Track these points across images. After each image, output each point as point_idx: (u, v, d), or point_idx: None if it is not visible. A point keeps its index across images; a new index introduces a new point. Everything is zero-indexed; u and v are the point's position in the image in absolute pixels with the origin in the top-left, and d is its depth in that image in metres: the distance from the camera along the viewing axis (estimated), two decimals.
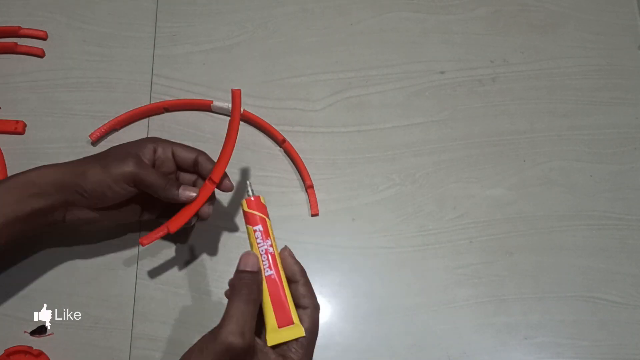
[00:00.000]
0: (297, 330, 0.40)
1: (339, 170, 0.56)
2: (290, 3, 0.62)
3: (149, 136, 0.54)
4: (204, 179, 0.49)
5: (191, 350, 0.39)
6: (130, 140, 0.48)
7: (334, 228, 0.55)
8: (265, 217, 0.43)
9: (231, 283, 0.41)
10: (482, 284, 0.53)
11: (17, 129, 0.57)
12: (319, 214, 0.55)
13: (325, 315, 0.52)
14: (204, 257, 0.54)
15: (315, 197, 0.55)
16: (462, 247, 0.54)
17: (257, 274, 0.41)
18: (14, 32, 0.60)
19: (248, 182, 0.45)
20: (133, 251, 0.54)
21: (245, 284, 0.40)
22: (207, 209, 0.48)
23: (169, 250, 0.54)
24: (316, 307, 0.42)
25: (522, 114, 0.59)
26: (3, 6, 0.62)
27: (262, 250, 0.42)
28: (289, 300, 0.41)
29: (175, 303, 0.52)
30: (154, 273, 0.53)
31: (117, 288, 0.53)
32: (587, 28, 0.62)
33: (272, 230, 0.43)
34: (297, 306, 0.42)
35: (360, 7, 0.62)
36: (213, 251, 0.54)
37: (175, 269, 0.53)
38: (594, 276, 0.54)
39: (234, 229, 0.55)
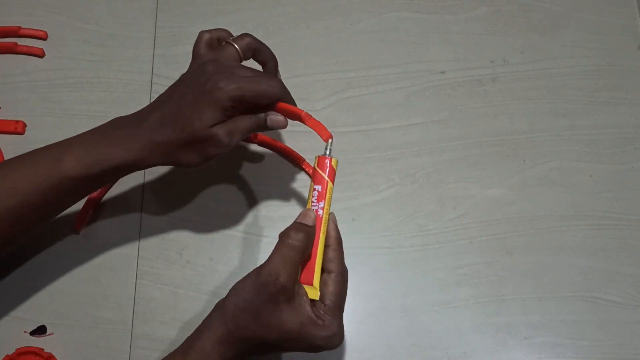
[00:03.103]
0: (312, 292, 0.41)
1: (338, 170, 0.56)
2: (290, 3, 0.62)
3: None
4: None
5: (238, 282, 0.42)
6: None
7: None
8: (329, 180, 0.44)
9: (283, 232, 0.42)
10: (482, 284, 0.53)
11: (17, 129, 0.57)
12: None
13: None
14: (204, 257, 0.54)
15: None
16: (462, 247, 0.54)
17: (309, 227, 0.42)
18: (14, 32, 0.60)
19: (329, 141, 0.44)
20: (133, 251, 0.54)
21: (295, 231, 0.41)
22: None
23: (169, 250, 0.54)
24: (341, 274, 0.43)
25: (522, 114, 0.59)
26: (3, 6, 0.62)
27: (312, 210, 0.43)
28: (317, 263, 0.42)
29: (175, 303, 0.52)
30: (154, 273, 0.53)
31: (117, 288, 0.53)
32: (587, 28, 0.62)
33: (330, 195, 0.44)
34: (323, 270, 0.43)
35: (360, 7, 0.62)
36: (213, 251, 0.54)
37: (175, 268, 0.53)
38: (594, 276, 0.54)
39: (234, 229, 0.55)
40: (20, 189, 0.42)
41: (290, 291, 0.40)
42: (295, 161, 0.56)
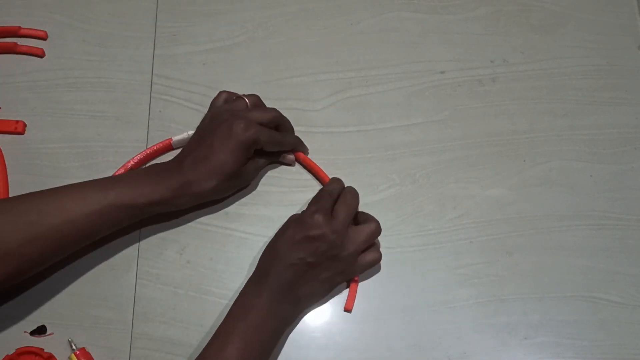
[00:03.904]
0: None
1: (339, 170, 0.56)
2: (290, 3, 0.62)
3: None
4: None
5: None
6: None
7: None
8: None
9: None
10: (482, 284, 0.53)
11: (17, 129, 0.57)
12: None
13: (325, 315, 0.52)
14: (204, 257, 0.54)
15: (355, 293, 0.53)
16: (462, 247, 0.54)
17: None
18: (14, 32, 0.60)
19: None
20: (133, 251, 0.54)
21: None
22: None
23: (169, 250, 0.54)
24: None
25: (522, 114, 0.59)
26: (3, 6, 0.62)
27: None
28: None
29: (175, 303, 0.52)
30: (154, 273, 0.53)
31: (117, 288, 0.53)
32: (587, 28, 0.62)
33: None
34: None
35: (360, 7, 0.62)
36: (213, 251, 0.54)
37: (175, 269, 0.53)
38: (594, 276, 0.54)
39: (234, 229, 0.55)
40: (69, 209, 0.46)
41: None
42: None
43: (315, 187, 0.56)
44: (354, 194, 0.52)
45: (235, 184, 0.53)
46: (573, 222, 0.55)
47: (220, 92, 0.55)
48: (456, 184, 0.56)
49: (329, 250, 0.48)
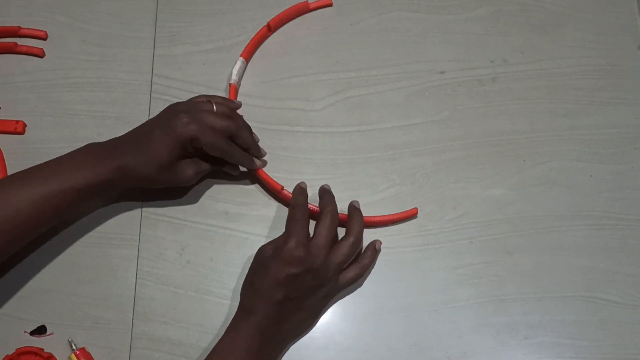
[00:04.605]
0: None
1: (339, 170, 0.56)
2: (290, 3, 0.62)
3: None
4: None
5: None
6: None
7: None
8: None
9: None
10: (482, 284, 0.53)
11: (17, 129, 0.57)
12: None
13: (325, 315, 0.52)
14: (204, 257, 0.54)
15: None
16: (462, 247, 0.54)
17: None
18: (14, 32, 0.60)
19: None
20: (133, 251, 0.54)
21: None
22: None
23: (169, 250, 0.54)
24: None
25: (522, 114, 0.59)
26: (3, 6, 0.62)
27: None
28: None
29: (175, 303, 0.52)
30: (154, 273, 0.53)
31: (117, 288, 0.53)
32: (587, 28, 0.62)
33: None
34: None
35: (360, 7, 0.62)
36: (213, 251, 0.54)
37: (175, 269, 0.53)
38: (594, 276, 0.54)
39: (234, 229, 0.55)
40: (14, 200, 0.46)
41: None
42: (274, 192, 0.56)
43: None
44: (333, 211, 0.50)
45: (169, 178, 0.51)
46: (573, 222, 0.55)
47: (200, 95, 0.55)
48: (456, 184, 0.56)
49: (313, 279, 0.48)
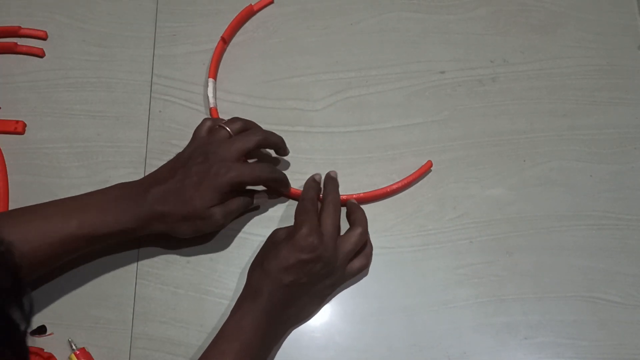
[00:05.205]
0: None
1: (339, 171, 0.56)
2: (290, 3, 0.62)
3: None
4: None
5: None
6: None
7: None
8: None
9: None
10: (482, 284, 0.53)
11: (17, 129, 0.57)
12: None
13: (325, 315, 0.52)
14: (204, 257, 0.54)
15: None
16: (462, 247, 0.54)
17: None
18: (14, 32, 0.60)
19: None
20: (133, 251, 0.54)
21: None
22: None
23: (169, 250, 0.54)
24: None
25: (522, 114, 0.59)
26: (3, 6, 0.62)
27: None
28: None
29: (175, 303, 0.52)
30: (154, 273, 0.53)
31: (117, 288, 0.53)
32: (587, 28, 0.62)
33: None
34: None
35: (360, 7, 0.62)
36: (213, 251, 0.54)
37: (175, 269, 0.53)
38: (594, 276, 0.54)
39: (234, 229, 0.55)
40: (32, 238, 0.45)
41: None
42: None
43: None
44: (335, 200, 0.51)
45: (200, 227, 0.49)
46: (573, 222, 0.55)
47: (204, 120, 0.53)
48: (456, 184, 0.56)
49: (323, 268, 0.48)
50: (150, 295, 0.53)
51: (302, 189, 0.53)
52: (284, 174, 0.53)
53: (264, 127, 0.54)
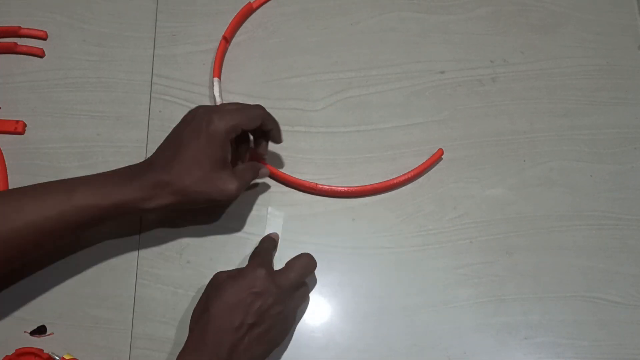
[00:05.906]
0: None
1: (339, 170, 0.56)
2: (290, 3, 0.62)
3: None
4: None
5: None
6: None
7: (334, 228, 0.55)
8: None
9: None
10: (482, 284, 0.53)
11: (17, 129, 0.57)
12: (320, 213, 0.55)
13: (325, 315, 0.52)
14: (204, 257, 0.54)
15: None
16: (462, 247, 0.54)
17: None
18: (14, 32, 0.60)
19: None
20: (133, 251, 0.54)
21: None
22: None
23: (169, 250, 0.54)
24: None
25: (522, 114, 0.59)
26: (3, 6, 0.62)
27: None
28: None
29: (175, 303, 0.52)
30: (154, 273, 0.53)
31: (117, 288, 0.53)
32: (587, 28, 0.62)
33: None
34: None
35: (360, 7, 0.62)
36: (213, 251, 0.54)
37: (175, 269, 0.53)
38: (594, 276, 0.54)
39: (234, 229, 0.55)
40: (28, 210, 0.43)
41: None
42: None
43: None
44: (308, 261, 0.49)
45: (210, 190, 0.47)
46: (573, 222, 0.55)
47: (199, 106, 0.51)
48: (456, 184, 0.56)
49: (273, 305, 0.45)
50: (150, 295, 0.53)
51: (298, 185, 0.53)
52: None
53: None
